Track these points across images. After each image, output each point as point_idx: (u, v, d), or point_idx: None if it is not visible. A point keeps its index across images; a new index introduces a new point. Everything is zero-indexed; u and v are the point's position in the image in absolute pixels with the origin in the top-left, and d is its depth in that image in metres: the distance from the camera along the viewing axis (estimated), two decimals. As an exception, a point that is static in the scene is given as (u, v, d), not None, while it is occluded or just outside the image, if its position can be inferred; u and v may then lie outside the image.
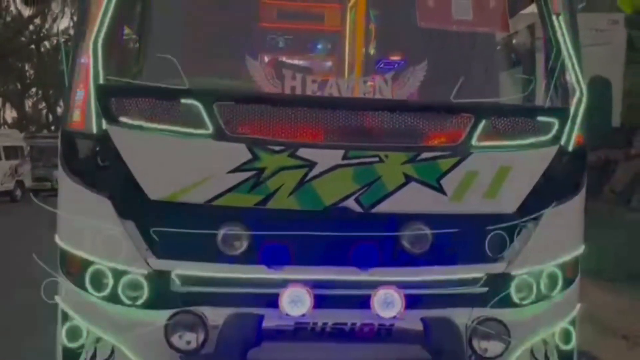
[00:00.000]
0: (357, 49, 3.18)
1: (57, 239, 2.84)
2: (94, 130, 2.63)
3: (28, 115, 34.50)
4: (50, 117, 33.50)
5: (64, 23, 27.35)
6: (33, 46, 28.84)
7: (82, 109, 2.73)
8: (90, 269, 2.71)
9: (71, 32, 2.93)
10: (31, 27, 28.12)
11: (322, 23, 3.41)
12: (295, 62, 3.37)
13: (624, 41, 8.01)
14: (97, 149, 2.67)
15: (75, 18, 2.90)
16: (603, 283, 7.55)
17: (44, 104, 34.98)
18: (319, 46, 3.45)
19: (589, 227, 9.46)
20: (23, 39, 28.74)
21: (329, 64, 3.37)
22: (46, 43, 30.22)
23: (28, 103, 35.70)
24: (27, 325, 5.43)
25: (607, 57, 7.23)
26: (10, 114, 33.55)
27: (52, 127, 31.38)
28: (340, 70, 3.18)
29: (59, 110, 34.58)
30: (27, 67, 31.73)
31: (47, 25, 29.33)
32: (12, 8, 28.13)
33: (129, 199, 2.66)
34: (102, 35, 2.64)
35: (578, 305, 3.02)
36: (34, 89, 33.91)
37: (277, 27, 3.40)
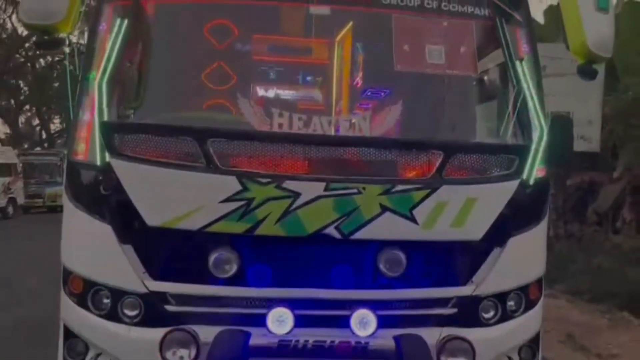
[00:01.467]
0: (343, 80, 3.45)
1: (62, 259, 3.07)
2: (98, 162, 2.87)
3: (21, 131, 34.58)
4: (44, 134, 33.58)
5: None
6: (28, 63, 29.04)
7: (87, 142, 2.98)
8: (91, 289, 2.94)
9: (66, 49, 3.18)
10: (26, 44, 28.34)
11: (309, 56, 3.65)
12: (284, 94, 3.60)
13: (602, 69, 8.37)
14: (100, 179, 2.91)
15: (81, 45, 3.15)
16: (582, 304, 7.79)
17: (37, 121, 35.06)
18: (307, 78, 3.66)
19: (572, 249, 9.70)
20: (17, 55, 28.98)
21: (315, 95, 3.58)
22: (41, 60, 30.41)
23: (21, 119, 35.81)
24: (22, 341, 5.59)
25: (586, 85, 7.58)
26: (2, 130, 33.64)
27: (46, 144, 31.46)
28: (326, 102, 3.43)
29: (52, 127, 34.73)
30: (21, 84, 31.88)
31: (42, 44, 29.56)
32: (9, 26, 28.42)
33: (128, 225, 2.89)
34: (106, 76, 2.91)
35: (540, 325, 3.27)
36: (27, 106, 34.01)
37: (267, 60, 3.66)
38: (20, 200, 22.04)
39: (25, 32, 26.87)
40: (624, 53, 10.41)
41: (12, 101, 31.24)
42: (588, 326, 6.66)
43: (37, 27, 2.89)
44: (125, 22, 3.02)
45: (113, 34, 3.01)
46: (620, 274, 8.55)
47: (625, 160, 11.44)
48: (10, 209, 20.97)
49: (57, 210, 22.73)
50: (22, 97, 32.03)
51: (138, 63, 3.23)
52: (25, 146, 32.00)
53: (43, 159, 25.16)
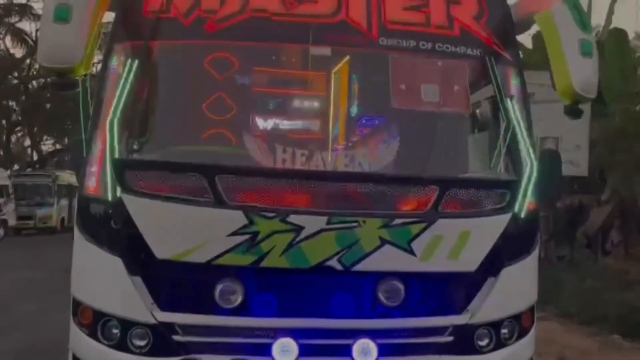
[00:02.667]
0: (344, 117, 3.61)
1: (71, 291, 3.18)
2: (110, 197, 2.99)
3: (13, 152, 34.47)
4: (35, 155, 33.48)
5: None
6: (22, 85, 29.11)
7: (98, 177, 3.11)
8: (101, 320, 3.05)
9: (80, 89, 3.35)
10: (22, 66, 28.43)
11: (313, 93, 3.79)
12: (286, 130, 3.75)
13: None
14: (111, 213, 3.03)
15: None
16: (573, 326, 7.91)
17: (28, 142, 34.96)
18: (308, 115, 3.82)
19: (562, 271, 9.83)
20: (10, 77, 29.04)
21: (317, 131, 3.72)
22: (34, 82, 30.46)
23: (12, 140, 35.70)
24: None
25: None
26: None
27: (37, 166, 31.35)
28: (328, 138, 3.58)
29: (44, 148, 34.66)
30: (14, 105, 31.85)
31: (36, 65, 29.67)
32: (2, 47, 28.52)
33: (138, 258, 3.01)
34: (117, 114, 3.05)
35: (533, 352, 3.40)
36: (19, 127, 33.95)
37: (271, 97, 3.82)
38: (12, 221, 21.91)
39: (19, 55, 27.09)
40: (610, 79, 10.73)
41: (4, 122, 31.17)
42: (579, 349, 6.77)
43: (55, 70, 3.02)
44: (134, 61, 3.17)
45: (123, 73, 3.16)
46: (611, 296, 8.69)
47: (613, 184, 11.69)
48: (1, 231, 20.85)
49: (47, 231, 22.70)
50: (14, 119, 31.98)
51: (147, 100, 3.36)
52: (17, 167, 31.86)
53: (34, 180, 25.04)
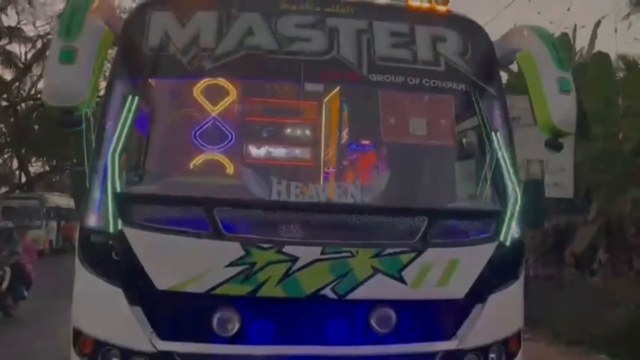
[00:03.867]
0: (334, 143, 3.76)
1: (72, 320, 3.26)
2: (111, 229, 3.09)
3: (1, 174, 34.26)
4: (24, 177, 33.29)
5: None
6: (11, 108, 29.05)
7: (100, 210, 3.21)
8: (102, 350, 3.13)
9: (84, 125, 3.47)
10: (12, 88, 28.40)
11: (301, 122, 3.96)
12: (282, 162, 3.88)
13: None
14: (113, 245, 3.13)
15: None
16: (562, 347, 8.02)
17: (16, 164, 34.76)
18: (300, 142, 3.96)
19: (551, 292, 9.94)
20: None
21: (308, 157, 3.86)
22: (22, 105, 30.41)
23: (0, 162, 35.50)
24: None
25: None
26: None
27: (25, 188, 31.17)
28: (318, 163, 3.72)
29: (32, 170, 34.45)
30: (2, 128, 31.73)
31: (26, 87, 29.67)
32: (-8, 71, 28.47)
33: (138, 289, 3.10)
34: (119, 148, 3.17)
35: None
36: (7, 149, 33.79)
37: (262, 126, 3.97)
38: None
39: (8, 78, 27.08)
40: (592, 103, 10.99)
41: (-8, 144, 31.04)
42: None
43: (60, 108, 3.14)
44: (134, 97, 3.29)
45: (123, 109, 3.28)
46: (598, 316, 8.81)
47: (598, 204, 11.89)
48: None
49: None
50: (2, 141, 31.84)
51: (147, 134, 3.50)
52: (5, 189, 31.63)
53: (22, 203, 24.86)
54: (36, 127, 29.73)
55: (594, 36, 14.17)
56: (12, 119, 30.09)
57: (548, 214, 3.65)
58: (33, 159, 34.67)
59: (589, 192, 12.75)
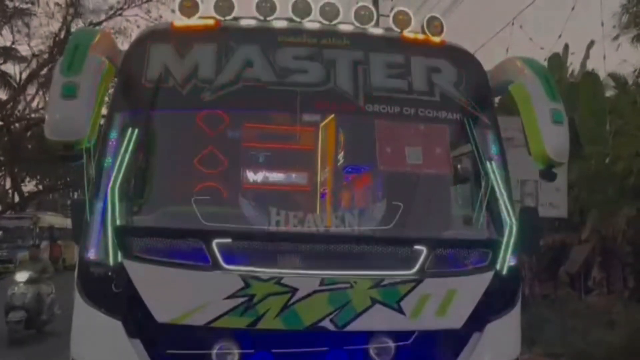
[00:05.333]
0: (331, 173, 3.79)
1: (71, 354, 3.25)
2: (111, 262, 3.11)
3: (-6, 194, 34.09)
4: (17, 197, 33.13)
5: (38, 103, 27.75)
6: (5, 128, 29.01)
7: (99, 242, 3.22)
8: None
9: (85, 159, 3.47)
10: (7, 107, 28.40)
11: (299, 153, 3.97)
12: (278, 189, 3.90)
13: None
14: (112, 278, 3.14)
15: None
16: (558, 366, 8.03)
17: (9, 184, 34.61)
18: (298, 173, 3.98)
19: (547, 310, 9.93)
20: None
21: (306, 188, 3.88)
22: (16, 124, 30.36)
23: (-8, 181, 35.34)
24: None
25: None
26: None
27: (18, 208, 31.00)
28: (316, 194, 3.75)
29: (25, 189, 34.30)
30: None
31: (20, 107, 29.66)
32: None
33: (137, 321, 3.11)
34: (118, 181, 3.19)
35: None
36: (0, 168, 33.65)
37: (260, 155, 4.00)
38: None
39: (4, 98, 27.08)
40: (584, 123, 11.12)
41: (-15, 164, 30.90)
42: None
43: (62, 142, 3.16)
44: (134, 129, 3.34)
45: (123, 141, 3.32)
46: (595, 335, 8.82)
47: (592, 223, 11.95)
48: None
49: (28, 275, 22.26)
50: (-5, 160, 31.70)
51: (146, 167, 3.52)
52: (-2, 209, 31.41)
53: (15, 223, 24.72)
54: (29, 146, 29.68)
55: (586, 56, 14.35)
56: (5, 139, 30.04)
57: (542, 235, 3.68)
58: (26, 179, 34.56)
59: (582, 211, 12.82)
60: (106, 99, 3.54)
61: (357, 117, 3.67)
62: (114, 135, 3.39)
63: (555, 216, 9.97)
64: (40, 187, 35.40)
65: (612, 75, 13.27)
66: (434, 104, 3.66)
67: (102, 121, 3.42)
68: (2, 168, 32.40)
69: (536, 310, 10.71)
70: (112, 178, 3.20)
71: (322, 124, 3.76)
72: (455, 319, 3.26)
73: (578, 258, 13.39)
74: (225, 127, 3.73)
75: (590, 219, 12.27)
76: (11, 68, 28.09)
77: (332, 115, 3.70)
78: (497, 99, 5.20)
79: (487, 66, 3.96)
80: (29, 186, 35.35)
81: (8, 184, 34.63)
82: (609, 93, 13.16)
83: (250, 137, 3.86)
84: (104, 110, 3.48)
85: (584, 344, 8.47)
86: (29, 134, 29.09)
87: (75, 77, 3.10)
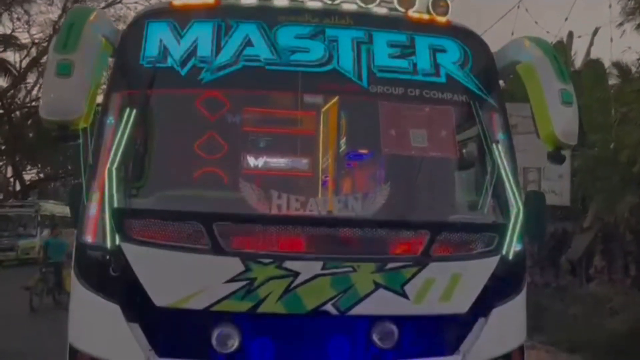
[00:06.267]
0: (333, 155, 3.72)
1: (69, 338, 3.20)
2: (109, 245, 3.04)
3: (-5, 183, 34.08)
4: (18, 185, 33.11)
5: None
6: (5, 117, 28.95)
7: (97, 225, 3.16)
8: None
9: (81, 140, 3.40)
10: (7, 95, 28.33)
11: (301, 134, 3.89)
12: (282, 175, 3.82)
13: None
14: (110, 261, 3.07)
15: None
16: (561, 355, 8.00)
17: (10, 172, 34.59)
18: (303, 161, 3.86)
19: (549, 298, 9.94)
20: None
21: (308, 170, 3.79)
22: (17, 112, 30.29)
23: (-7, 170, 35.34)
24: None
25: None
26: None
27: (20, 196, 31.00)
28: (318, 176, 3.68)
29: (27, 177, 34.28)
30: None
31: (20, 95, 29.57)
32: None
33: (136, 305, 3.05)
34: (116, 162, 3.11)
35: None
36: (1, 157, 33.62)
37: (261, 138, 3.92)
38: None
39: (3, 85, 26.97)
40: (588, 110, 11.02)
41: (-13, 152, 30.87)
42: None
43: (58, 123, 3.08)
44: (132, 110, 3.24)
45: (120, 122, 3.23)
46: (596, 323, 8.80)
47: (595, 211, 11.89)
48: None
49: (28, 263, 22.29)
50: (-4, 149, 31.67)
51: (145, 148, 3.45)
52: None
53: (17, 211, 24.73)
54: (30, 134, 29.62)
55: (590, 44, 14.22)
56: (6, 127, 29.99)
57: (546, 232, 3.61)
58: (27, 167, 34.53)
59: (585, 199, 12.77)
60: (103, 79, 3.46)
61: (360, 98, 3.58)
62: (111, 116, 3.31)
63: (558, 204, 9.93)
64: (42, 175, 35.39)
65: (616, 64, 13.16)
66: (439, 85, 3.57)
67: (99, 101, 3.34)
68: (4, 156, 32.36)
69: (537, 299, 10.70)
70: (110, 160, 3.12)
71: (324, 106, 3.67)
72: (460, 304, 3.19)
73: (580, 246, 13.37)
74: (225, 108, 3.64)
75: (593, 207, 12.22)
76: (11, 56, 28.03)
77: (334, 97, 3.61)
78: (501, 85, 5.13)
79: (492, 50, 3.87)
80: (30, 174, 35.39)
81: (9, 172, 34.62)
82: (612, 82, 13.06)
83: (250, 118, 3.78)
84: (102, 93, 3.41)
85: (586, 331, 8.47)
86: (29, 122, 29.01)
87: (70, 55, 3.02)
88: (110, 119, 3.31)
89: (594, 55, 13.74)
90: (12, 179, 34.62)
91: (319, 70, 3.48)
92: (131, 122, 3.22)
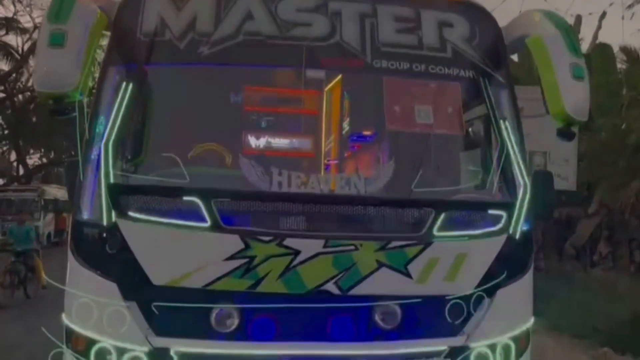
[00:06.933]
0: (336, 131, 3.63)
1: (64, 317, 3.13)
2: (105, 222, 2.97)
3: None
4: (21, 169, 33.15)
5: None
6: (8, 100, 28.89)
7: (93, 201, 3.08)
8: (95, 347, 3.00)
9: (77, 113, 3.33)
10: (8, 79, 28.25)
11: (302, 109, 3.78)
12: (283, 151, 3.73)
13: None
14: (107, 238, 3.00)
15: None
16: (564, 340, 7.94)
17: (14, 156, 34.64)
18: (304, 138, 3.80)
19: (553, 284, 9.89)
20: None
21: (309, 146, 3.73)
22: (20, 96, 30.24)
23: (-3, 154, 35.39)
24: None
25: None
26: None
27: (23, 180, 31.04)
28: (320, 152, 3.59)
29: (30, 162, 34.32)
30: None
31: (23, 79, 29.46)
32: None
33: (133, 283, 2.98)
34: (112, 137, 3.03)
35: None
36: (4, 141, 33.65)
37: (267, 116, 3.83)
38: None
39: (5, 69, 26.88)
40: (595, 94, 10.86)
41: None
42: (570, 362, 6.79)
43: (51, 95, 3.00)
44: (128, 84, 3.15)
45: (117, 97, 3.14)
46: (601, 309, 8.74)
47: (600, 196, 11.80)
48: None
49: (32, 247, 22.34)
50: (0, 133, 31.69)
51: (142, 123, 3.35)
52: (3, 182, 31.49)
53: (20, 195, 24.76)
54: (34, 119, 29.58)
55: (598, 27, 14.03)
56: (9, 111, 29.96)
57: (553, 212, 3.52)
58: (31, 151, 34.55)
59: (590, 185, 12.66)
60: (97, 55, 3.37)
61: (363, 73, 3.48)
62: (108, 90, 3.23)
63: (564, 189, 9.80)
64: (45, 160, 35.40)
65: (624, 49, 12.98)
66: (446, 60, 3.47)
67: (95, 74, 3.25)
68: (7, 141, 32.37)
69: (541, 283, 10.63)
70: (106, 134, 3.03)
71: (326, 81, 3.57)
72: (465, 284, 3.12)
73: (584, 232, 13.30)
74: (224, 83, 3.55)
75: (598, 192, 12.13)
76: (13, 40, 27.92)
77: (337, 71, 3.51)
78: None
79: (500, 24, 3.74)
80: (33, 159, 35.42)
81: (13, 157, 34.65)
82: (621, 67, 12.89)
83: (251, 93, 3.67)
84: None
85: (590, 317, 8.41)
86: (32, 106, 28.94)
87: (63, 25, 2.93)
88: (107, 94, 3.23)
89: (601, 39, 13.56)
90: (15, 164, 34.66)
91: (321, 44, 3.37)
92: (128, 97, 3.13)
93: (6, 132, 30.53)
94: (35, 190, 24.66)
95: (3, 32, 27.29)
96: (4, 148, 34.94)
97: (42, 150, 34.73)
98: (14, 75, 27.93)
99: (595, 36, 14.04)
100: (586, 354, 7.21)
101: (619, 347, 7.20)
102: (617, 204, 11.32)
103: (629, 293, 9.74)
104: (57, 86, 2.95)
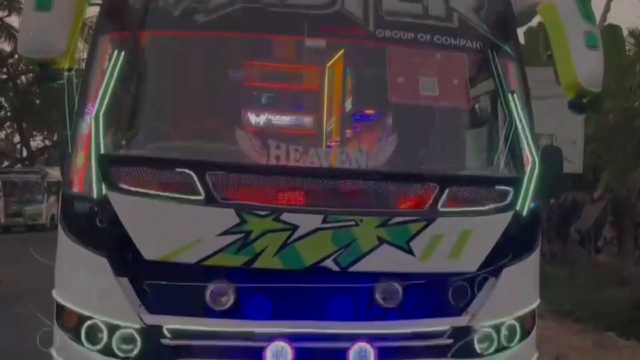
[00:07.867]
0: (340, 112, 3.49)
1: (54, 293, 3.04)
2: (95, 195, 2.85)
3: (2, 149, 34.12)
4: (25, 151, 33.14)
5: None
6: (10, 82, 28.79)
7: (83, 174, 2.97)
8: (86, 324, 2.91)
9: (64, 81, 3.21)
10: (10, 61, 28.13)
11: (305, 86, 3.66)
12: (280, 124, 3.59)
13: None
14: (97, 212, 2.89)
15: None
16: (569, 324, 7.88)
17: (18, 138, 34.64)
18: (303, 109, 3.68)
19: (557, 269, 9.84)
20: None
21: (311, 126, 3.59)
22: (23, 77, 30.13)
23: (1, 136, 35.35)
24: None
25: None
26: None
27: (27, 162, 31.03)
28: (323, 133, 3.46)
29: (33, 144, 34.30)
30: (2, 101, 31.49)
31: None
32: (-10, 43, 28.08)
33: (124, 259, 2.88)
34: (103, 108, 2.91)
35: (535, 355, 3.30)
36: (8, 122, 33.61)
37: (264, 90, 3.68)
38: (1, 219, 21.70)
39: (7, 50, 26.73)
40: (604, 76, 10.68)
41: (-7, 118, 30.84)
42: (574, 347, 6.72)
43: (37, 61, 2.88)
44: (120, 53, 3.02)
45: (109, 66, 3.02)
46: (605, 293, 8.68)
47: (606, 181, 11.66)
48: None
49: (36, 229, 22.41)
50: (2, 115, 31.63)
51: (134, 94, 3.22)
52: (6, 164, 31.50)
53: (24, 177, 24.83)
54: (37, 101, 29.47)
55: (606, 9, 13.77)
56: (11, 94, 29.87)
57: (562, 189, 3.39)
58: (34, 134, 34.50)
59: (596, 169, 12.52)
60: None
61: (366, 43, 3.33)
62: (98, 58, 3.09)
63: (571, 172, 9.65)
64: (48, 142, 35.36)
65: (632, 33, 12.76)
66: (452, 30, 3.31)
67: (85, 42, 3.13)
68: (10, 122, 32.33)
69: (545, 268, 10.55)
70: (97, 105, 2.91)
71: (327, 52, 3.41)
72: (469, 262, 2.99)
73: (589, 217, 13.20)
74: (221, 52, 3.41)
75: (604, 177, 11.99)
76: (15, 21, 27.65)
77: (339, 41, 3.36)
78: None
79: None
80: (37, 141, 35.37)
81: (17, 139, 34.64)
82: (629, 50, 12.67)
83: (249, 63, 3.53)
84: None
85: (594, 301, 8.35)
86: (35, 88, 28.83)
87: None
88: (98, 63, 3.10)
89: (610, 21, 13.31)
90: (19, 146, 34.65)
91: (322, 12, 3.22)
92: (119, 66, 3.00)
93: (9, 114, 30.43)
94: (38, 173, 24.72)
95: (5, 13, 27.12)
96: (8, 130, 34.91)
97: (45, 132, 34.66)
98: (16, 56, 27.75)
99: (604, 18, 13.77)
100: (591, 338, 7.14)
101: (623, 332, 7.13)
102: (623, 188, 11.18)
103: (633, 277, 9.67)
104: (44, 51, 2.82)
